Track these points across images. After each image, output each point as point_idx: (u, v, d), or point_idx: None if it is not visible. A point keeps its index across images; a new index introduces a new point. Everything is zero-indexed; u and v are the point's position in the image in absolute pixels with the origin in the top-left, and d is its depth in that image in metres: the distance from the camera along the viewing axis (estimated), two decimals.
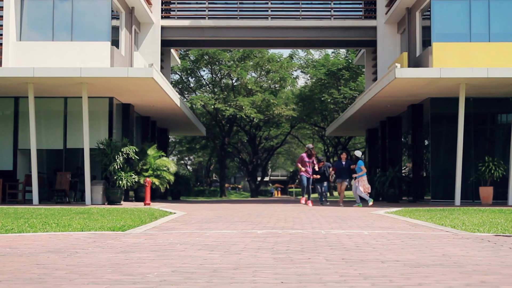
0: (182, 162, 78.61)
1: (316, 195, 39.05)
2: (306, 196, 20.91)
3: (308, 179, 20.84)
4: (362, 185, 20.88)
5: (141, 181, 22.53)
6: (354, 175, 21.41)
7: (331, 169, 22.41)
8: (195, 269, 4.86)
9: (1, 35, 22.85)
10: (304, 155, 21.08)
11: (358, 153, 21.94)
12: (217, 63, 48.45)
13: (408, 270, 4.83)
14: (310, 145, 21.58)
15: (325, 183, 22.29)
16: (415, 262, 5.28)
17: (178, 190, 32.88)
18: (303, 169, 20.81)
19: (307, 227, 9.58)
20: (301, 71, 52.98)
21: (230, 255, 5.83)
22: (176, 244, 6.87)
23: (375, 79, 28.69)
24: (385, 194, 25.73)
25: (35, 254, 5.87)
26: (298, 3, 28.97)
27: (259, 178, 64.94)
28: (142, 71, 20.69)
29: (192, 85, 53.05)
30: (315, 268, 4.92)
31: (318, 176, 21.90)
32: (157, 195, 29.28)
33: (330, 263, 5.25)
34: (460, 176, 20.98)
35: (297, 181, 75.49)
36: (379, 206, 20.26)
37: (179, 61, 37.74)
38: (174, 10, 29.17)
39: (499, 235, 7.94)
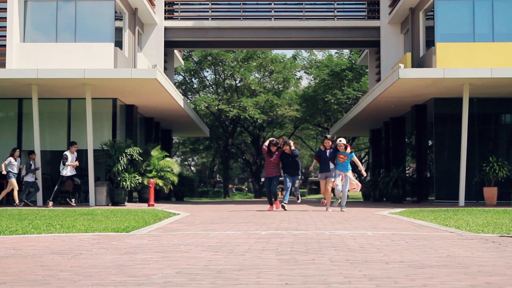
0: (186, 163, 78.64)
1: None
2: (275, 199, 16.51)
3: (270, 179, 16.35)
4: (351, 183, 16.09)
5: (145, 182, 22.55)
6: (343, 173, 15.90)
7: (313, 162, 17.47)
8: (199, 271, 4.85)
9: (5, 36, 22.89)
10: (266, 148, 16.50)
11: (344, 141, 16.03)
12: (220, 64, 48.47)
13: (412, 271, 4.82)
14: (274, 139, 16.57)
15: (298, 177, 16.81)
16: (420, 263, 5.27)
17: (181, 191, 32.89)
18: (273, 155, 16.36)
19: (311, 228, 9.58)
20: (305, 72, 52.97)
21: (234, 256, 5.82)
22: (180, 245, 6.87)
23: (378, 80, 28.68)
24: (389, 194, 25.69)
25: (39, 256, 5.88)
26: (301, 4, 28.97)
27: (262, 179, 64.91)
28: (145, 72, 20.70)
29: (195, 86, 53.08)
30: (320, 269, 4.91)
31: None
32: (161, 196, 29.30)
33: (334, 264, 5.24)
34: (464, 176, 20.95)
35: (300, 181, 75.29)
36: (383, 206, 20.23)
37: (182, 62, 37.76)
38: (177, 11, 29.20)
39: (503, 236, 7.93)
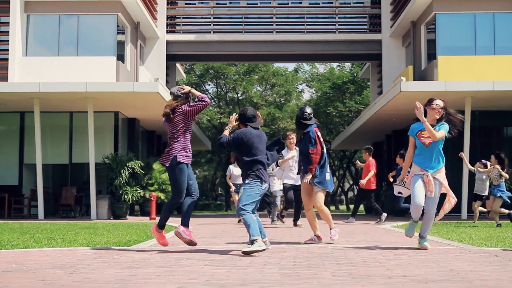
0: None
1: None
2: None
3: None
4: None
5: (147, 195, 22.53)
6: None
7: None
8: (201, 285, 4.83)
9: (8, 50, 22.99)
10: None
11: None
12: (222, 77, 48.56)
13: (415, 285, 4.79)
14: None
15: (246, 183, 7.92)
16: (423, 278, 5.24)
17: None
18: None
19: None
20: (306, 85, 53.04)
21: (237, 270, 5.80)
22: (182, 259, 6.84)
23: (380, 93, 28.71)
24: (391, 207, 25.59)
25: (41, 270, 5.85)
26: (303, 17, 29.05)
27: None
28: (147, 85, 20.73)
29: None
30: (322, 284, 4.88)
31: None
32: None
33: (337, 278, 5.21)
34: (467, 189, 20.89)
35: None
36: (385, 220, 20.13)
37: (184, 75, 37.83)
38: (179, 25, 29.28)
39: (506, 250, 7.89)
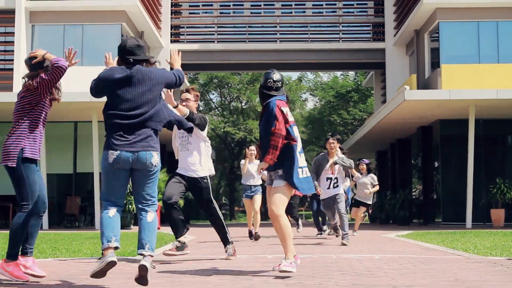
0: None
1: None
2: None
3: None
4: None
5: None
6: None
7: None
8: None
9: (13, 60, 23.07)
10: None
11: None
12: (226, 86, 48.65)
13: None
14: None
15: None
16: (428, 287, 5.23)
17: (187, 214, 32.82)
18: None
19: (317, 251, 9.53)
20: (310, 94, 53.08)
21: (241, 280, 5.79)
22: (187, 269, 6.84)
23: (384, 101, 28.71)
24: (395, 216, 25.59)
25: (46, 281, 5.85)
26: (307, 26, 29.10)
27: None
28: None
29: (201, 108, 53.25)
30: None
31: None
32: (167, 219, 29.26)
33: None
34: (471, 198, 20.85)
35: (306, 204, 75.06)
36: (389, 229, 20.14)
37: (188, 84, 37.90)
38: (183, 34, 29.37)
39: None
